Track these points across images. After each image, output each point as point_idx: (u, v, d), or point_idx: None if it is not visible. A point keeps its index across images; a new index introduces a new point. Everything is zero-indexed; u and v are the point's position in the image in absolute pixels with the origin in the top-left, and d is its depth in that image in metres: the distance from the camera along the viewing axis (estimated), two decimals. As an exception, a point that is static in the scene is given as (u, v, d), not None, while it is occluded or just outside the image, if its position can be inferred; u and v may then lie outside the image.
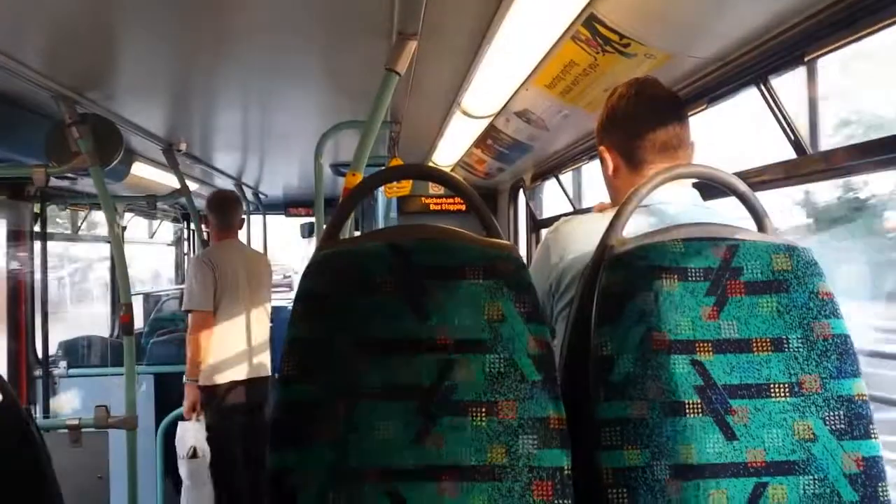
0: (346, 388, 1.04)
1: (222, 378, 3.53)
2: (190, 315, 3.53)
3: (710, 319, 1.12)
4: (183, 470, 3.44)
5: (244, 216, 3.92)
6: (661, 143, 1.42)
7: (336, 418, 1.03)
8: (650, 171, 1.39)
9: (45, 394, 3.91)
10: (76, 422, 2.74)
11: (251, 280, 3.68)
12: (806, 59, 1.50)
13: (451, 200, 5.27)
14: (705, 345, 1.11)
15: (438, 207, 5.25)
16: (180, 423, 3.51)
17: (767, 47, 1.56)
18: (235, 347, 3.57)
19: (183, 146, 3.69)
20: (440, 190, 5.28)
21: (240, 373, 3.58)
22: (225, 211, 3.76)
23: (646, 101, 1.43)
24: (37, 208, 4.04)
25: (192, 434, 3.45)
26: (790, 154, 1.64)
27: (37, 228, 4.04)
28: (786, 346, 1.12)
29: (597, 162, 1.60)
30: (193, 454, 3.41)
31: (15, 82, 2.34)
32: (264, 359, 3.72)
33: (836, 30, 1.39)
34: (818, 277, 1.14)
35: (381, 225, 5.31)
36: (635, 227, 1.21)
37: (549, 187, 4.21)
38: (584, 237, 1.36)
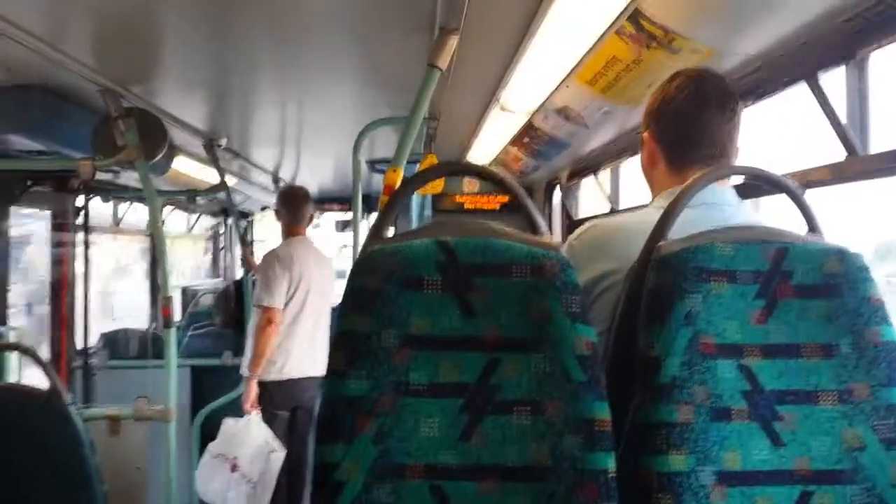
0: (392, 383, 1.04)
1: (282, 374, 3.54)
2: (259, 309, 3.54)
3: (758, 323, 1.09)
4: (256, 466, 3.36)
5: (314, 213, 3.92)
6: (707, 150, 1.36)
7: (382, 413, 1.03)
8: (689, 174, 1.32)
9: (86, 384, 3.99)
10: (116, 413, 2.79)
11: (318, 280, 3.68)
12: (858, 56, 1.46)
13: (485, 199, 5.26)
14: (753, 349, 1.08)
15: (473, 206, 5.25)
16: (228, 420, 3.46)
17: (817, 43, 1.53)
18: (299, 345, 3.58)
19: (223, 141, 3.73)
20: (474, 188, 5.28)
21: (300, 370, 3.59)
22: (297, 206, 3.76)
23: (704, 102, 1.35)
24: (80, 201, 4.11)
25: (260, 430, 3.43)
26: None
27: (79, 221, 4.11)
28: (835, 352, 1.09)
29: (637, 159, 1.56)
30: (272, 449, 3.40)
31: (62, 75, 2.38)
32: (323, 357, 3.73)
33: (889, 25, 1.36)
34: (869, 283, 1.11)
35: (415, 223, 5.32)
36: (682, 225, 1.19)
37: (586, 185, 4.18)
38: (611, 243, 1.34)
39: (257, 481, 3.38)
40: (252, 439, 3.41)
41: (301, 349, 3.60)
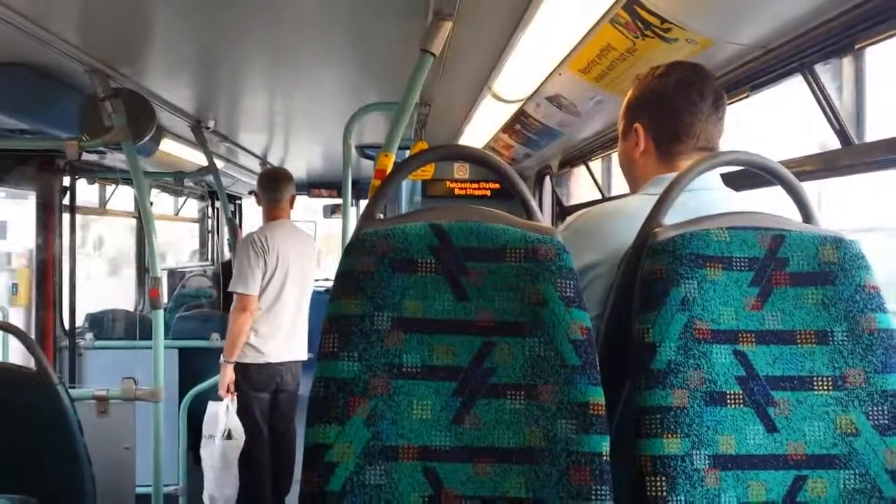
0: (384, 365, 1.04)
1: (260, 359, 3.53)
2: (235, 296, 3.51)
3: (753, 310, 1.10)
4: (213, 450, 3.42)
5: (295, 195, 3.85)
6: (702, 144, 1.39)
7: (374, 395, 1.03)
8: (678, 164, 1.37)
9: (72, 364, 3.97)
10: (104, 393, 2.78)
11: (298, 264, 3.64)
12: (856, 48, 1.46)
13: (475, 185, 5.25)
14: (748, 335, 1.09)
15: (463, 192, 5.23)
16: (211, 403, 3.50)
17: (814, 34, 1.53)
18: (276, 330, 3.56)
19: (211, 124, 3.69)
20: (465, 174, 5.27)
21: (277, 355, 3.58)
22: (276, 189, 3.69)
23: (702, 97, 1.37)
24: (65, 182, 4.07)
25: (225, 414, 3.46)
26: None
27: (65, 202, 4.07)
28: (830, 338, 1.10)
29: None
30: (228, 435, 3.41)
31: (49, 54, 2.35)
32: (303, 342, 3.72)
33: (889, 17, 1.36)
34: (865, 270, 1.12)
35: (404, 208, 5.30)
36: (670, 209, 1.19)
37: (577, 174, 4.18)
38: (597, 233, 1.34)
39: (218, 466, 3.43)
40: (221, 425, 3.44)
41: (281, 334, 3.58)
